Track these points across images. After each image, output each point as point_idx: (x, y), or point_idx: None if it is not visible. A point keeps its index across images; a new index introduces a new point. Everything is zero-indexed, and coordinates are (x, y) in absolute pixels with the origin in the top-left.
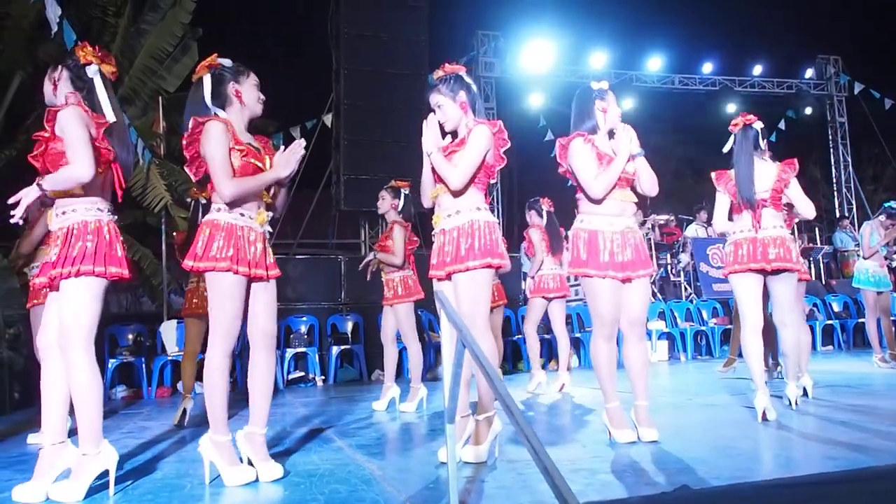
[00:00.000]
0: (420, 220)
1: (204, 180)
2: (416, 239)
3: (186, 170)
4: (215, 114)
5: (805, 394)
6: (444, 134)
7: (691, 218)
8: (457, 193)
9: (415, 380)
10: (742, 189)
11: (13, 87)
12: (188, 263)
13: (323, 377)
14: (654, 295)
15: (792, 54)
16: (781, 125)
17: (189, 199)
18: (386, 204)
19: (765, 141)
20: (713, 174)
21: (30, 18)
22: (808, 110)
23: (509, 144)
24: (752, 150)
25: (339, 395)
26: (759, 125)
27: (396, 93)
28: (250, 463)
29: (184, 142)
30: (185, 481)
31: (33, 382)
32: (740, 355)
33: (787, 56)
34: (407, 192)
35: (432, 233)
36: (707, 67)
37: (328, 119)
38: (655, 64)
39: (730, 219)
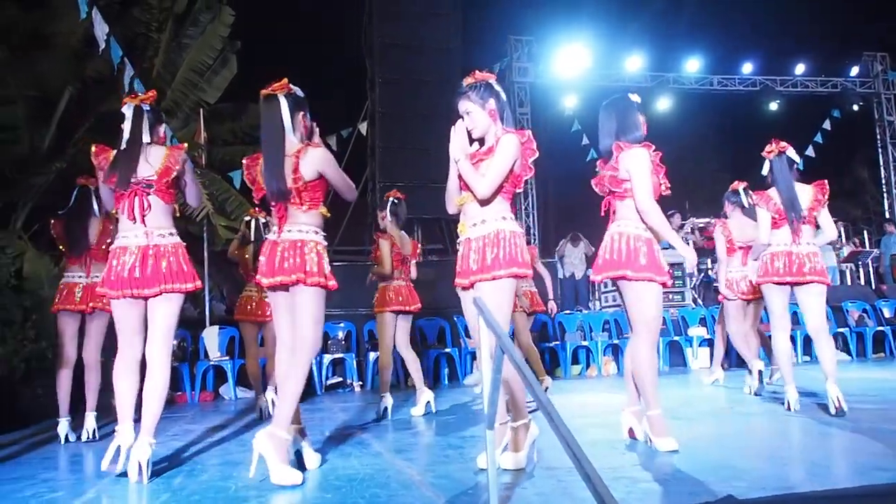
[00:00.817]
0: (448, 227)
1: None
2: (396, 251)
3: (298, 194)
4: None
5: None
6: (471, 141)
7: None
8: (483, 202)
9: (383, 386)
10: (792, 207)
11: (63, 101)
12: (331, 283)
13: (360, 382)
14: (693, 301)
15: (836, 52)
16: (826, 125)
17: (248, 218)
18: (380, 218)
19: (795, 165)
20: (755, 194)
21: (78, 36)
22: (855, 109)
23: (538, 154)
24: (791, 171)
25: (377, 400)
26: (791, 151)
27: (430, 100)
28: (300, 458)
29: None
30: (229, 483)
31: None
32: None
33: (831, 54)
34: (395, 200)
35: (458, 241)
36: (747, 67)
37: (363, 127)
38: (693, 65)
39: None
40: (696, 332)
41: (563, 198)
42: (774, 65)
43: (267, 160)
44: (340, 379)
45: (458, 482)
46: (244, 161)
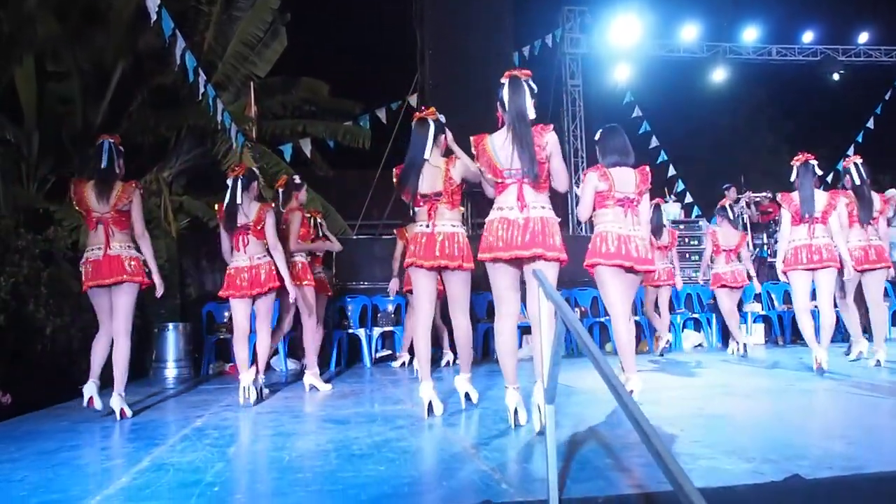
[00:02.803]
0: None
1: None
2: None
3: (448, 194)
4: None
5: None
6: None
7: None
8: None
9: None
10: (806, 208)
11: (116, 75)
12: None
13: (410, 356)
14: (748, 276)
15: None
16: (888, 96)
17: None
18: None
19: (816, 173)
20: (780, 195)
21: (131, 9)
22: None
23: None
24: (812, 179)
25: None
26: (814, 161)
27: (482, 72)
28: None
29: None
30: (283, 453)
31: (139, 355)
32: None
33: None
34: None
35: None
36: (807, 37)
37: (413, 100)
38: (751, 34)
39: None
40: (751, 308)
41: None
42: (836, 34)
43: (409, 170)
44: (389, 352)
45: (513, 455)
46: (395, 170)
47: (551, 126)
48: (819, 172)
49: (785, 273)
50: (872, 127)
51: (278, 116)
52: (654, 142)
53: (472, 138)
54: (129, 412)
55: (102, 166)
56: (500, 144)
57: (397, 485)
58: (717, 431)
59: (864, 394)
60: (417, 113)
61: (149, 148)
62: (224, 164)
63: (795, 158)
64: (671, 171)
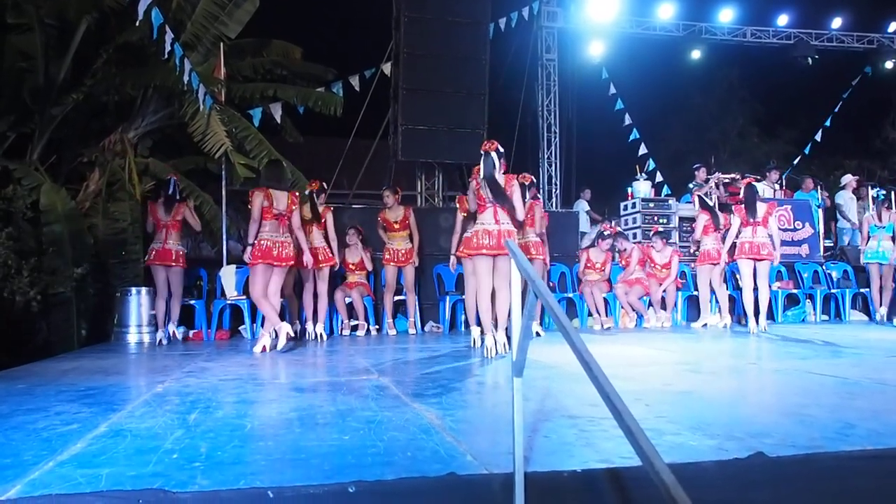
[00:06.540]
0: (469, 173)
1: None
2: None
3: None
4: None
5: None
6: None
7: (759, 177)
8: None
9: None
10: (750, 214)
11: (80, 31)
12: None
13: (377, 326)
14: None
15: (875, 5)
16: (856, 82)
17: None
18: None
19: (757, 192)
20: (733, 206)
21: None
22: (889, 66)
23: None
24: (755, 194)
25: (393, 344)
26: (755, 184)
27: (457, 42)
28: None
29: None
30: (245, 421)
31: (101, 319)
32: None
33: (869, 7)
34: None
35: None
36: (782, 19)
37: (387, 68)
38: (727, 15)
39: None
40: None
41: (588, 147)
42: (810, 18)
43: (492, 189)
44: (357, 322)
45: (477, 428)
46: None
47: (515, 176)
48: (760, 192)
49: (734, 260)
50: (839, 112)
51: (248, 79)
52: (628, 119)
53: (474, 170)
54: (179, 335)
55: (170, 193)
56: (483, 184)
57: (361, 455)
58: (682, 408)
59: (824, 374)
60: (482, 147)
61: (114, 107)
62: (191, 127)
63: (743, 181)
64: (643, 150)
